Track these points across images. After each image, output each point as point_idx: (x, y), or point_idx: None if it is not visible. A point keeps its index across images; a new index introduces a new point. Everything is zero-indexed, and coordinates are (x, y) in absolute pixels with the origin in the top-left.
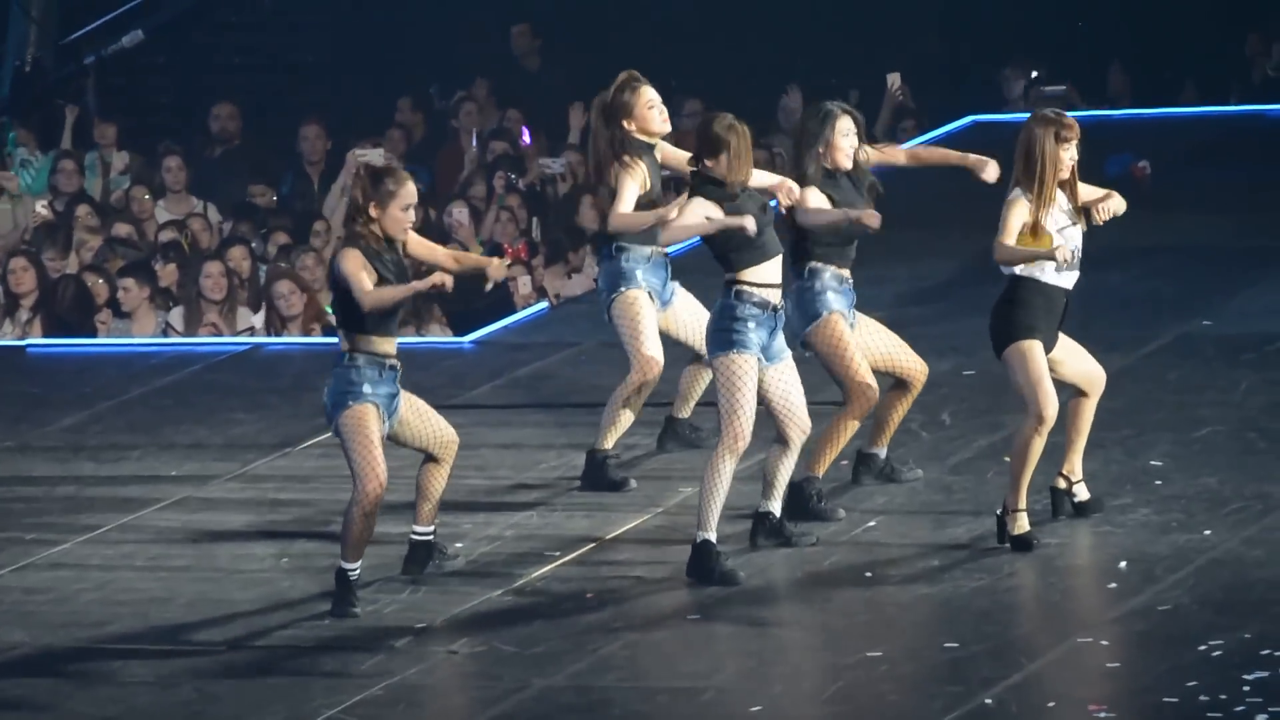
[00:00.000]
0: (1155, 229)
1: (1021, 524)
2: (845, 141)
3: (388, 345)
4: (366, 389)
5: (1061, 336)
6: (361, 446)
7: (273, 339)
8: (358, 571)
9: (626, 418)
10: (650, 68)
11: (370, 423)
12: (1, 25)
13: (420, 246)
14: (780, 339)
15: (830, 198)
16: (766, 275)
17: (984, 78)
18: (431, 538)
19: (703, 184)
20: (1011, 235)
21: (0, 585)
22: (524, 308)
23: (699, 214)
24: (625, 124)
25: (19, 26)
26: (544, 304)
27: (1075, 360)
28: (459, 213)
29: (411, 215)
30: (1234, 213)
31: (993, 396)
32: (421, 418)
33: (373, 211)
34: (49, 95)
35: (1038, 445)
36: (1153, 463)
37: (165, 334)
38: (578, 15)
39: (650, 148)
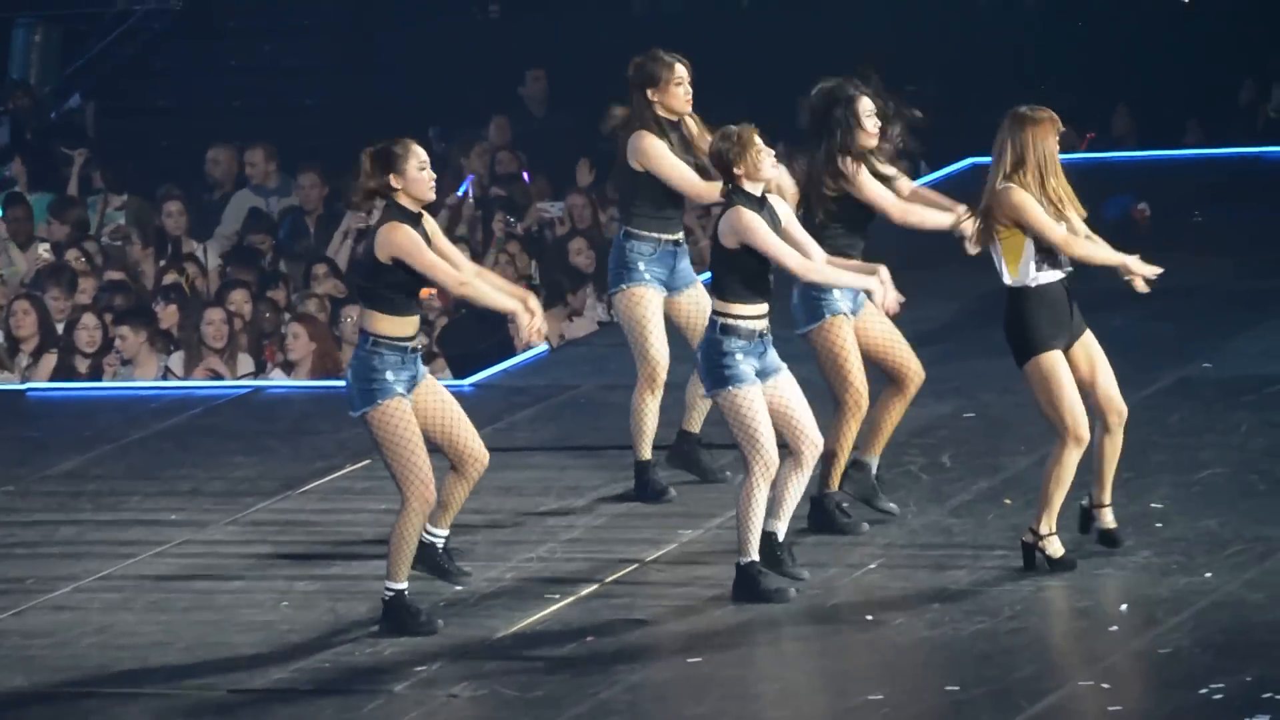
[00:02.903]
0: None
1: (1057, 547)
2: (869, 123)
3: (408, 327)
4: (389, 376)
5: (1089, 342)
6: (402, 450)
7: (272, 382)
8: (406, 588)
9: (650, 420)
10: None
11: (406, 420)
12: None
13: (441, 242)
14: (771, 355)
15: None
16: (758, 307)
17: (985, 120)
18: (441, 542)
19: (739, 198)
20: (1050, 224)
21: (0, 629)
22: (524, 350)
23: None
24: (649, 94)
25: (18, 69)
26: (544, 347)
27: (1101, 375)
28: None
29: (430, 174)
30: (1234, 255)
31: (993, 439)
32: (448, 417)
33: (395, 183)
34: (46, 138)
35: (1072, 466)
36: (1153, 505)
37: (165, 378)
38: (587, 61)
39: (675, 124)
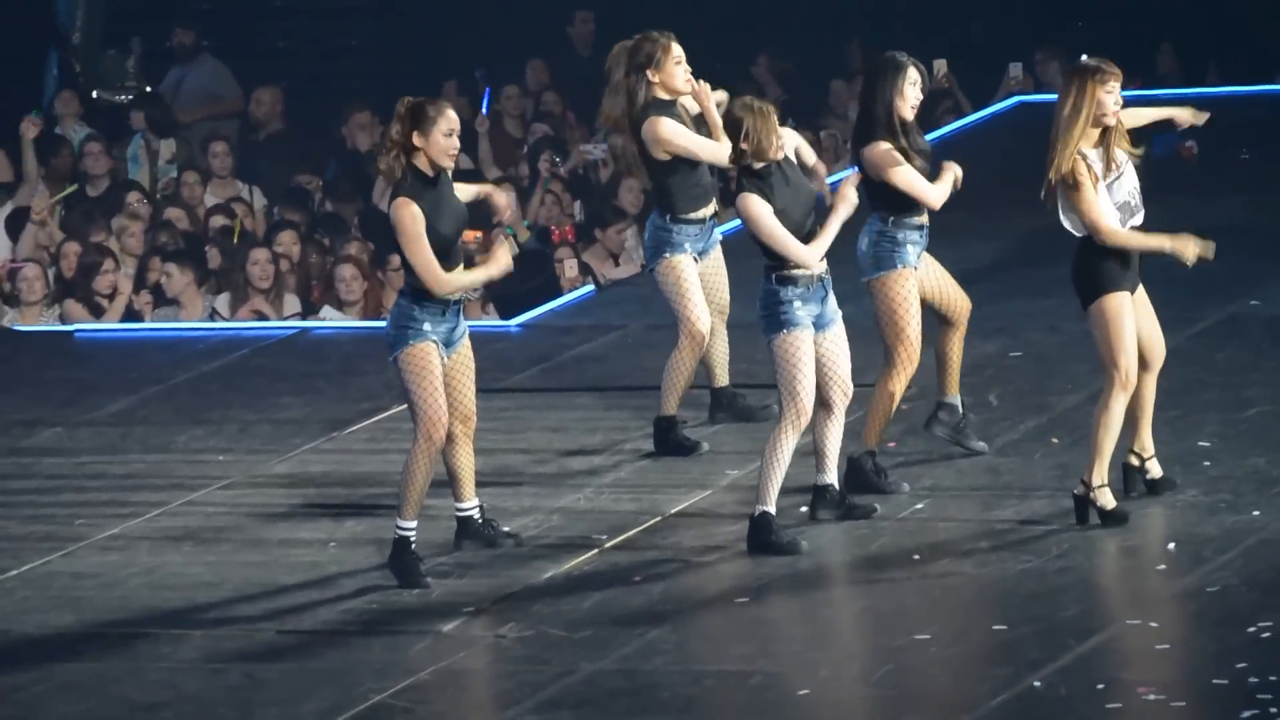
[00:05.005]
0: (1202, 209)
1: (1109, 499)
2: (912, 92)
3: None
4: (426, 326)
5: (1141, 292)
6: (422, 388)
7: (319, 323)
8: (414, 533)
9: (685, 377)
10: (703, 56)
11: (430, 363)
12: (49, 19)
13: (464, 193)
14: (831, 303)
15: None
16: None
17: (1029, 61)
18: (475, 512)
19: (746, 177)
20: (1097, 206)
21: (49, 570)
22: (570, 290)
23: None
24: (650, 75)
25: (64, 13)
26: (590, 287)
27: (1146, 320)
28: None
29: (455, 142)
30: None
31: (1040, 378)
32: (464, 376)
33: (417, 141)
34: (92, 82)
35: (1120, 411)
36: (1200, 443)
37: (212, 319)
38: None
39: (671, 105)
